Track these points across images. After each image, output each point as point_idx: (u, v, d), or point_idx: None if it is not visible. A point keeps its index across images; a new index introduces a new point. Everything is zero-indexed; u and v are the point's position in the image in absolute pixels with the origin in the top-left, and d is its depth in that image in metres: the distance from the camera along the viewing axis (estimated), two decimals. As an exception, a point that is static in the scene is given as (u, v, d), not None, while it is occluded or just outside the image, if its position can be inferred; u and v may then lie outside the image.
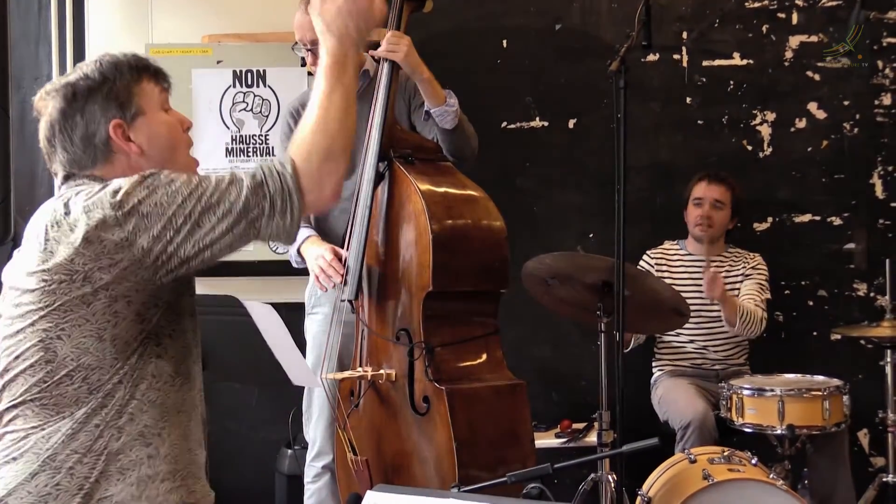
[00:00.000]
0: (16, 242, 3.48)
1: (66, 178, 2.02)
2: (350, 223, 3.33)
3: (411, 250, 3.16)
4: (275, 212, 1.88)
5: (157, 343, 1.96)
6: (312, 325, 3.63)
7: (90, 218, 1.85)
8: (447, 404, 2.98)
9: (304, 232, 3.52)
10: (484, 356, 3.20)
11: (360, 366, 3.31)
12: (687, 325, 3.98)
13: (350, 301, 3.31)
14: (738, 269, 4.29)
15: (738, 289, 4.24)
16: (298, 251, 3.51)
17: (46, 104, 2.02)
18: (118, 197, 1.85)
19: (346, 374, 3.30)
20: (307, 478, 3.63)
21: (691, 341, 4.22)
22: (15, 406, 1.92)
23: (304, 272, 4.28)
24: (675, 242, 4.39)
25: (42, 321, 1.89)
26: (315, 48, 3.51)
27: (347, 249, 3.33)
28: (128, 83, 2.04)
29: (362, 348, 3.33)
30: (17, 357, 1.92)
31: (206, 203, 1.86)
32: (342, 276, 3.32)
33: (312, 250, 3.45)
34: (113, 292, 1.87)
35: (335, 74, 1.97)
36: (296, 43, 3.60)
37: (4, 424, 1.95)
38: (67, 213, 1.89)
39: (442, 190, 3.22)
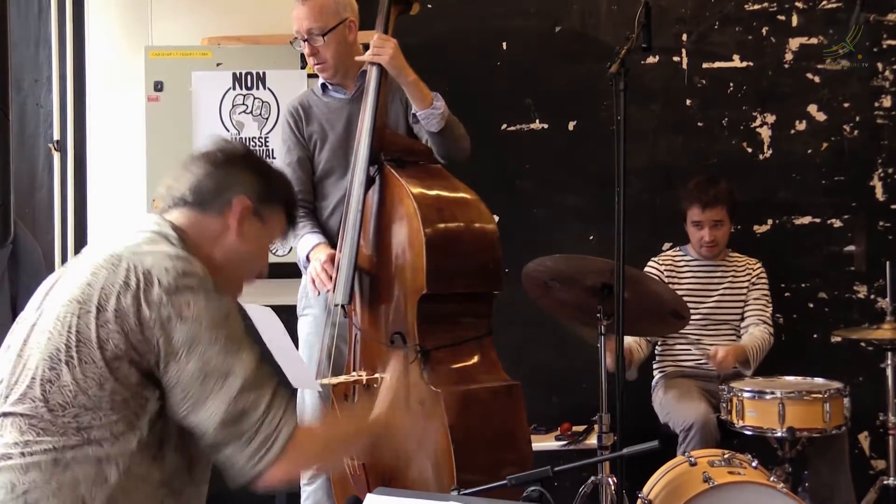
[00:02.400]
0: (15, 245, 3.48)
1: (172, 204, 2.11)
2: (342, 227, 3.33)
3: (404, 253, 3.15)
4: (247, 447, 1.92)
5: (160, 447, 1.95)
6: (304, 327, 3.64)
7: (141, 282, 1.91)
8: (444, 407, 2.97)
9: (314, 238, 3.51)
10: (479, 358, 3.19)
11: (355, 370, 3.30)
12: (691, 328, 3.98)
13: (343, 306, 3.29)
14: (743, 278, 4.28)
15: (744, 298, 4.24)
16: (307, 257, 3.51)
17: (229, 143, 2.21)
18: (177, 282, 1.91)
19: (341, 378, 3.28)
20: (303, 480, 3.63)
21: (698, 340, 4.22)
22: (9, 414, 1.91)
23: (302, 275, 4.28)
24: (679, 249, 4.38)
25: (58, 338, 1.91)
26: (310, 38, 3.51)
27: (339, 255, 3.31)
28: (278, 198, 2.20)
29: (356, 352, 3.32)
30: (27, 362, 1.93)
31: (222, 371, 1.91)
32: (333, 279, 3.31)
33: (316, 255, 3.45)
34: (119, 349, 1.89)
35: (368, 440, 2.25)
36: (294, 38, 3.59)
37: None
38: (122, 261, 1.94)
39: (434, 192, 3.21)
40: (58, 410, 1.88)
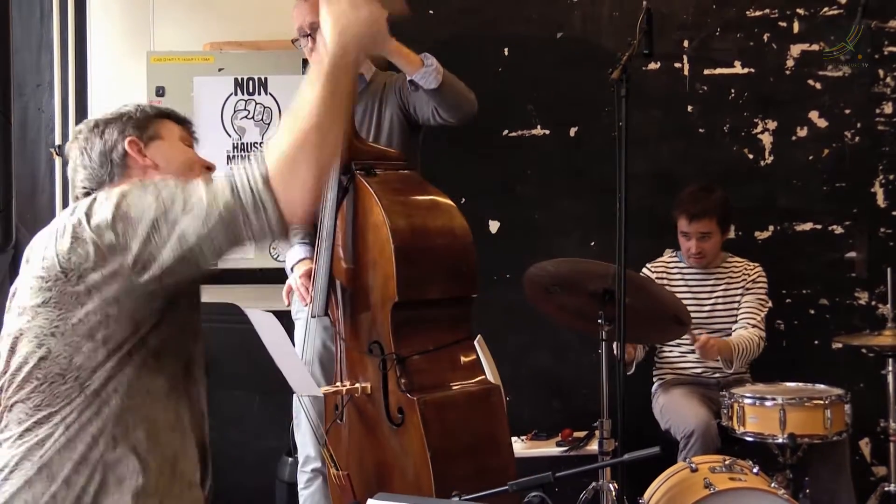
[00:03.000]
0: (17, 249, 3.48)
1: (85, 195, 2.09)
2: (317, 238, 3.33)
3: (376, 262, 3.14)
4: (251, 230, 1.84)
5: (157, 359, 1.97)
6: (296, 332, 3.65)
7: (90, 219, 1.90)
8: (420, 414, 2.95)
9: (300, 252, 3.53)
10: (457, 363, 3.17)
11: (340, 380, 3.29)
12: (686, 336, 3.97)
13: (328, 315, 3.29)
14: (738, 283, 4.25)
15: (738, 302, 4.23)
16: (292, 268, 3.55)
17: (74, 140, 2.16)
18: (115, 199, 1.90)
19: (324, 389, 3.27)
20: (300, 484, 3.64)
21: (692, 351, 4.21)
22: (10, 408, 1.94)
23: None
24: (675, 254, 4.38)
25: (38, 318, 1.92)
26: (312, 32, 3.50)
27: (315, 265, 3.32)
28: (148, 116, 2.18)
29: (341, 362, 3.32)
30: (18, 350, 1.95)
31: (186, 208, 1.86)
32: (310, 293, 3.32)
33: (296, 271, 3.49)
34: (104, 294, 1.89)
35: (336, 78, 1.90)
36: (296, 38, 3.58)
37: (1, 429, 1.96)
38: (72, 214, 1.94)
39: (402, 199, 3.19)
40: (58, 382, 1.90)
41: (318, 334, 3.53)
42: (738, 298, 4.23)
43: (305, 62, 4.42)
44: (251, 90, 4.49)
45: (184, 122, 2.24)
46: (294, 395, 3.59)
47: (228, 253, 1.89)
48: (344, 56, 1.92)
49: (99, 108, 4.70)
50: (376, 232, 3.12)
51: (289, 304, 3.56)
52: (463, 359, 3.19)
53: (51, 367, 1.91)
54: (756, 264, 4.31)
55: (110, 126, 2.13)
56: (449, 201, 3.28)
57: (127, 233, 1.86)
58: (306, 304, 3.34)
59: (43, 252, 1.93)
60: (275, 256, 4.40)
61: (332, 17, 1.95)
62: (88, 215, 1.90)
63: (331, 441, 3.33)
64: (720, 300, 4.23)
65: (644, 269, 4.34)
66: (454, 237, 3.23)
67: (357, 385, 3.18)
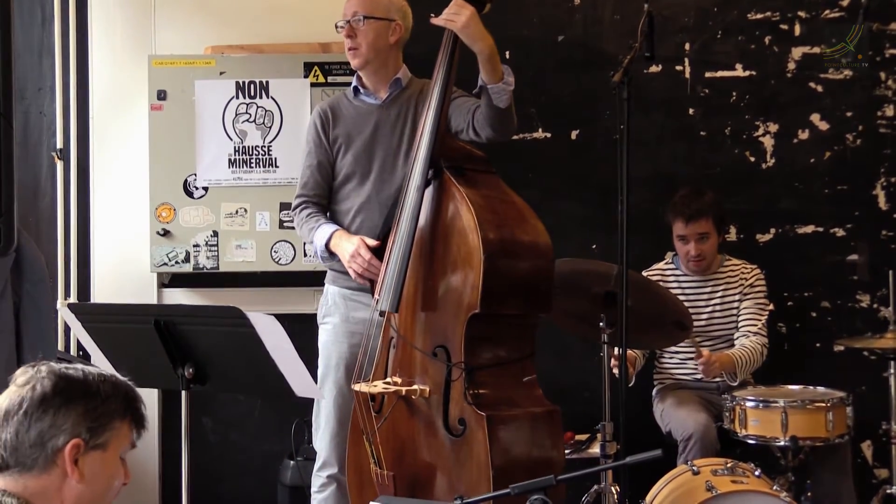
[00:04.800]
0: (18, 253, 3.49)
1: None
2: (394, 231, 3.21)
3: (459, 267, 3.04)
4: None
5: None
6: (322, 335, 3.59)
7: None
8: (487, 430, 2.89)
9: (328, 227, 3.45)
10: (520, 379, 3.11)
11: (387, 375, 3.19)
12: (686, 342, 3.96)
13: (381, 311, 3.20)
14: (736, 288, 4.21)
15: (737, 308, 4.21)
16: (327, 247, 3.42)
17: (33, 380, 1.90)
18: None
19: (381, 387, 3.14)
20: (313, 487, 3.60)
21: (692, 357, 4.19)
22: None
23: (307, 283, 4.29)
24: (671, 262, 4.34)
25: None
26: (352, 19, 3.48)
27: (388, 258, 3.21)
28: (112, 413, 1.94)
29: (389, 358, 3.21)
30: None
31: None
32: (381, 277, 3.21)
33: (345, 246, 3.35)
34: None
35: None
36: (340, 26, 3.53)
37: None
38: None
39: (493, 206, 3.10)
40: None
41: (346, 339, 3.50)
42: (736, 304, 4.20)
43: (307, 65, 4.43)
44: (253, 94, 4.49)
45: (139, 425, 2.00)
46: (316, 400, 3.55)
47: None
48: None
49: (101, 112, 4.72)
50: (463, 237, 3.03)
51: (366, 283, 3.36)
52: (526, 375, 3.14)
53: None
54: (754, 266, 4.29)
55: (68, 410, 1.87)
56: (531, 210, 3.20)
57: None
58: (376, 295, 3.22)
59: None
60: (276, 260, 4.41)
61: None
62: None
63: (362, 438, 3.24)
64: (718, 307, 4.21)
65: None
66: (539, 254, 3.15)
67: (415, 387, 3.09)
